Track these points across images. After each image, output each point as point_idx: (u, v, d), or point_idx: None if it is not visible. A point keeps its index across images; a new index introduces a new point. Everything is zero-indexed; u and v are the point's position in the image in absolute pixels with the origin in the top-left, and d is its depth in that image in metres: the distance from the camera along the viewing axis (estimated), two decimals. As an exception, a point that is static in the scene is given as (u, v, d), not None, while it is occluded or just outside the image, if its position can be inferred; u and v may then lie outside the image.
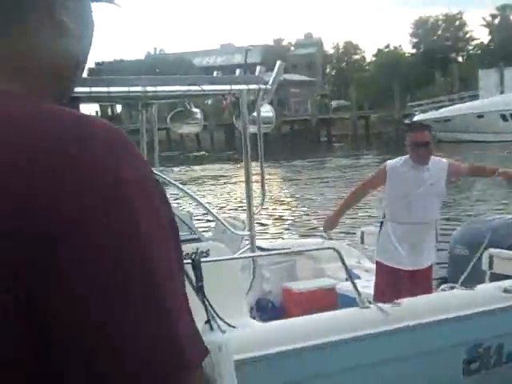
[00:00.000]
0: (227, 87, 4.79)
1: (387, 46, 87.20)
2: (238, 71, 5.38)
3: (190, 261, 4.03)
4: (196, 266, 3.99)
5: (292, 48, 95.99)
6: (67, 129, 0.81)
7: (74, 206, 0.76)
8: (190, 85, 4.63)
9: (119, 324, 0.77)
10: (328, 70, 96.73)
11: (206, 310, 3.95)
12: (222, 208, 17.99)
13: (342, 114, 60.36)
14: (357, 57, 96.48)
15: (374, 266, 5.95)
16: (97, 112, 64.45)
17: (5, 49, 0.92)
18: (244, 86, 4.78)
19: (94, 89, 4.24)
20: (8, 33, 0.92)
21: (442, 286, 5.35)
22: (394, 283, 5.26)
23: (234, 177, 27.41)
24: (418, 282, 5.32)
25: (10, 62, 0.93)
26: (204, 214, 12.49)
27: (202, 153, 46.46)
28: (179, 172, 32.78)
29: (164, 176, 5.01)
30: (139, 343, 0.78)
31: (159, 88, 4.50)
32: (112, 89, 4.30)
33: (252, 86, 4.81)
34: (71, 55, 0.98)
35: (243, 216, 5.42)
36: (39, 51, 0.94)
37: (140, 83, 4.45)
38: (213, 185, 25.65)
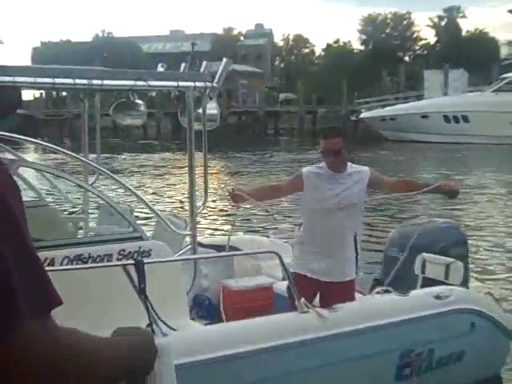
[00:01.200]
0: (174, 83, 4.75)
1: (336, 41, 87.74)
2: (183, 65, 5.33)
3: (132, 262, 4.00)
4: (139, 268, 3.95)
5: (242, 38, 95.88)
6: None
7: None
8: (136, 80, 4.58)
9: None
10: (277, 63, 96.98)
11: (148, 312, 3.92)
12: (163, 202, 17.85)
13: (289, 107, 60.58)
14: (306, 50, 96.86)
15: None
16: (41, 94, 63.42)
17: None
18: (190, 83, 4.75)
19: (39, 79, 4.17)
20: None
21: (377, 289, 5.37)
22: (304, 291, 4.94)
23: (178, 168, 27.27)
24: (332, 295, 5.06)
25: None
26: (143, 209, 12.44)
27: (147, 141, 46.10)
28: (124, 160, 32.45)
29: (104, 170, 4.94)
30: None
31: (105, 82, 4.42)
32: (57, 80, 4.21)
33: (198, 84, 4.78)
34: None
35: (184, 213, 5.39)
36: None
37: (86, 75, 4.38)
38: (157, 176, 25.46)
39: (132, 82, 4.58)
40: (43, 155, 30.72)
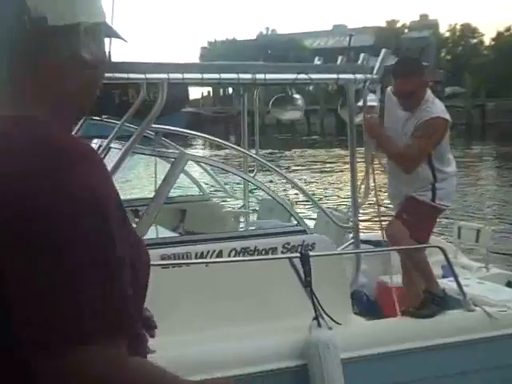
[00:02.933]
0: (334, 76, 4.74)
1: (508, 29, 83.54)
2: (339, 58, 5.29)
3: (298, 255, 4.04)
4: (305, 261, 3.99)
5: (406, 30, 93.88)
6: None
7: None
8: (298, 73, 4.62)
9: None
10: (443, 55, 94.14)
11: (314, 306, 3.96)
12: (325, 197, 17.85)
13: (456, 101, 58.62)
14: (474, 41, 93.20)
15: (470, 263, 5.74)
16: (209, 92, 65.59)
17: (33, 84, 1.23)
18: (350, 76, 4.72)
19: (205, 75, 4.31)
20: (35, 72, 1.23)
21: None
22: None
23: (341, 164, 27.21)
24: None
25: (37, 94, 1.23)
26: (303, 203, 12.48)
27: (311, 137, 46.41)
28: (287, 156, 32.87)
29: (266, 162, 5.03)
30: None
31: (268, 76, 4.50)
32: (223, 75, 4.34)
33: (358, 76, 4.73)
34: (90, 84, 1.34)
35: (342, 207, 5.33)
36: (62, 84, 1.26)
37: (249, 70, 4.49)
38: (319, 172, 25.55)
39: (294, 76, 4.63)
40: (209, 151, 31.83)
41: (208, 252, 4.12)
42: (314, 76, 4.65)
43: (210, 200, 6.47)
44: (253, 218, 6.67)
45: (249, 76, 4.42)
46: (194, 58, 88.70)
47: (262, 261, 4.23)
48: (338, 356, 3.91)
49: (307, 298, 4.05)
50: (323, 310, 4.02)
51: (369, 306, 5.46)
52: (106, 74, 4.09)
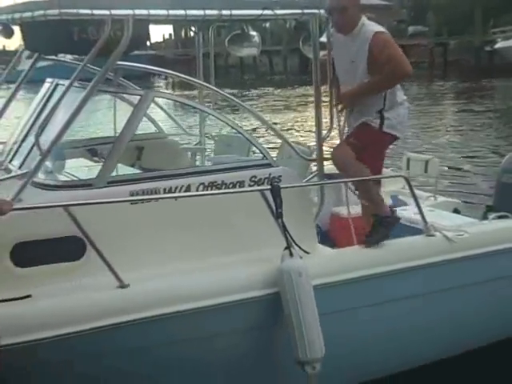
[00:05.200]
0: (299, 11, 4.75)
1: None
2: None
3: (269, 187, 4.13)
4: (275, 193, 4.08)
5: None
6: None
7: None
8: (263, 9, 4.63)
9: None
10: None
11: (286, 236, 4.08)
12: (289, 134, 17.98)
13: (419, 39, 58.53)
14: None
15: (420, 193, 5.92)
16: (171, 35, 64.46)
17: None
18: (315, 11, 4.74)
19: (171, 12, 4.29)
20: None
21: (492, 215, 5.50)
22: None
23: (303, 102, 27.25)
24: None
25: None
26: (264, 137, 12.48)
27: (274, 77, 46.16)
28: (251, 96, 32.77)
29: (233, 98, 5.05)
30: None
31: (234, 12, 4.49)
32: (189, 12, 4.32)
33: (322, 11, 4.77)
34: None
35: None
36: None
37: (215, 6, 4.46)
38: (283, 109, 25.56)
39: (259, 12, 4.62)
40: (172, 92, 31.56)
41: (176, 187, 4.16)
42: (279, 12, 4.65)
43: (166, 137, 6.48)
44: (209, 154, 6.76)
45: (215, 12, 4.41)
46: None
47: (230, 194, 4.31)
48: (310, 283, 4.06)
49: (276, 229, 4.17)
50: (293, 240, 4.15)
51: (323, 237, 5.58)
52: (69, 10, 4.06)
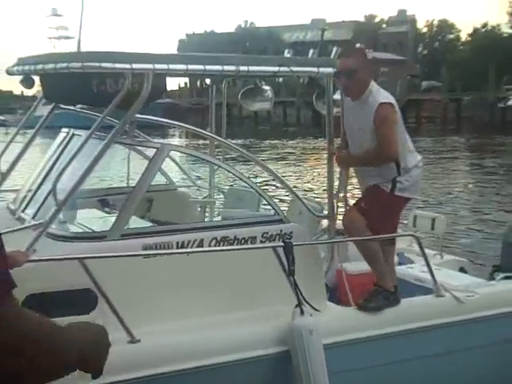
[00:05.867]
0: (315, 69, 4.82)
1: (484, 26, 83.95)
2: (311, 52, 5.38)
3: (281, 244, 4.13)
4: (288, 250, 4.08)
5: (384, 25, 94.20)
6: None
7: None
8: (279, 65, 4.70)
9: None
10: (420, 49, 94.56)
11: (297, 294, 4.07)
12: (300, 188, 17.98)
13: (432, 95, 58.94)
14: (451, 36, 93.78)
15: (426, 250, 5.91)
16: (186, 84, 65.27)
17: None
18: (330, 69, 4.81)
19: (190, 67, 4.35)
20: None
21: (500, 276, 5.46)
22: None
23: (317, 155, 27.35)
24: None
25: None
26: (273, 191, 12.47)
27: (287, 128, 46.43)
28: (264, 146, 32.92)
29: (243, 151, 5.07)
30: None
31: (251, 68, 4.56)
32: (208, 67, 4.39)
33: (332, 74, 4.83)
34: None
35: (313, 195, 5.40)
36: None
37: (233, 62, 4.54)
38: (295, 162, 25.63)
39: (276, 68, 4.70)
40: (185, 141, 31.74)
41: (189, 242, 4.17)
42: (295, 69, 4.73)
43: (176, 189, 6.47)
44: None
45: (233, 68, 4.47)
46: (172, 50, 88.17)
47: (241, 250, 4.31)
48: (321, 342, 4.05)
49: (287, 286, 4.16)
50: (304, 298, 4.15)
51: (329, 293, 5.56)
52: (91, 64, 4.12)
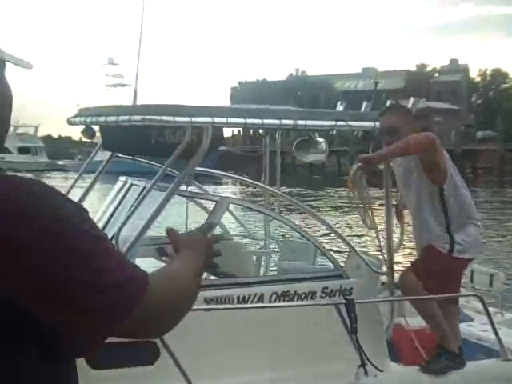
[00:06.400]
0: (371, 124, 4.80)
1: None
2: (364, 104, 5.35)
3: (343, 301, 4.05)
4: (350, 308, 4.00)
5: (436, 74, 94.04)
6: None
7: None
8: (336, 120, 4.69)
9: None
10: (474, 99, 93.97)
11: (360, 353, 3.97)
12: (353, 239, 17.79)
13: (488, 145, 58.20)
14: (505, 85, 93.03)
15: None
16: (239, 131, 66.03)
17: None
18: None
19: (249, 120, 4.38)
20: None
21: None
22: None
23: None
24: None
25: None
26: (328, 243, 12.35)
27: (342, 177, 46.33)
28: (318, 195, 32.86)
29: (300, 203, 5.03)
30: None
31: (308, 122, 4.57)
32: (266, 121, 4.40)
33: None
34: None
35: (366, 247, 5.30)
36: None
37: (290, 116, 4.57)
38: (349, 213, 25.45)
39: (332, 123, 4.71)
40: (239, 188, 31.93)
41: (249, 296, 4.14)
42: (351, 123, 4.75)
43: (231, 240, 6.43)
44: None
45: (290, 122, 4.49)
46: (225, 97, 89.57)
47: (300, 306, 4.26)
48: None
49: (348, 343, 4.07)
50: (367, 357, 4.04)
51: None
52: (152, 117, 4.17)
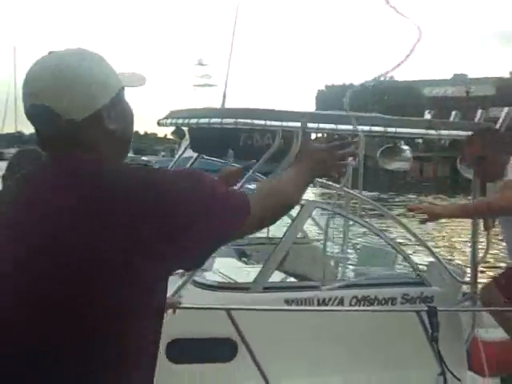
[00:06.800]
0: (463, 133, 4.76)
1: None
2: (453, 113, 5.30)
3: (425, 308, 4.07)
4: (432, 315, 4.03)
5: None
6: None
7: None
8: (427, 128, 4.68)
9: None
10: None
11: (441, 361, 3.99)
12: (434, 247, 17.50)
13: None
14: None
15: None
16: (323, 134, 65.77)
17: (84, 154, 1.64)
18: None
19: (339, 126, 4.44)
20: (83, 149, 1.65)
21: None
22: None
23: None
24: None
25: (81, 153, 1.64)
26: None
27: (424, 184, 45.61)
28: (399, 201, 32.46)
29: (384, 209, 5.04)
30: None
31: (398, 130, 4.58)
32: (359, 127, 4.43)
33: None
34: (122, 142, 1.75)
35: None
36: (105, 151, 1.68)
37: (381, 123, 4.60)
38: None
39: (423, 131, 4.69)
40: (319, 189, 31.81)
41: (330, 299, 4.21)
42: (442, 132, 4.70)
43: (310, 243, 6.48)
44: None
45: (381, 129, 4.52)
46: (311, 99, 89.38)
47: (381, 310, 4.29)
48: None
49: (426, 351, 4.09)
50: (447, 365, 4.05)
51: None
52: (244, 120, 4.26)
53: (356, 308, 4.23)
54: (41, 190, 1.59)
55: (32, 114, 1.68)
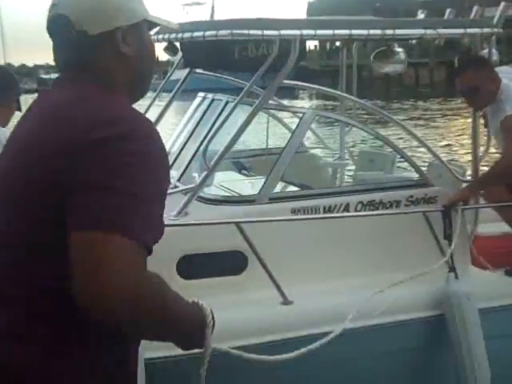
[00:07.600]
0: (461, 31, 4.68)
1: None
2: (448, 11, 5.21)
3: (440, 208, 4.16)
4: (446, 215, 4.15)
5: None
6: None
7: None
8: (425, 28, 4.60)
9: None
10: None
11: (452, 258, 4.06)
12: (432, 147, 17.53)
13: None
14: None
15: None
16: (316, 46, 64.88)
17: (92, 79, 1.64)
18: (477, 30, 4.64)
19: (336, 31, 4.32)
20: (92, 71, 1.66)
21: None
22: None
23: (451, 116, 26.58)
24: None
25: (91, 77, 1.66)
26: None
27: (420, 90, 45.29)
28: (395, 108, 32.34)
29: (380, 110, 5.03)
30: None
31: (397, 31, 4.47)
32: (353, 31, 4.36)
33: (485, 30, 4.65)
34: (135, 71, 1.71)
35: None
36: (116, 76, 1.67)
37: (379, 25, 4.51)
38: (427, 125, 25.02)
39: (422, 31, 4.60)
40: (316, 101, 31.58)
41: (335, 205, 4.21)
42: (441, 31, 4.60)
43: (307, 152, 6.39)
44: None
45: (378, 32, 4.42)
46: (301, 12, 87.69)
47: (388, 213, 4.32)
48: (476, 307, 4.05)
49: (433, 250, 4.15)
50: (453, 263, 4.12)
51: None
52: (240, 31, 4.16)
53: (366, 213, 4.25)
54: (31, 115, 1.72)
55: (49, 25, 1.71)
